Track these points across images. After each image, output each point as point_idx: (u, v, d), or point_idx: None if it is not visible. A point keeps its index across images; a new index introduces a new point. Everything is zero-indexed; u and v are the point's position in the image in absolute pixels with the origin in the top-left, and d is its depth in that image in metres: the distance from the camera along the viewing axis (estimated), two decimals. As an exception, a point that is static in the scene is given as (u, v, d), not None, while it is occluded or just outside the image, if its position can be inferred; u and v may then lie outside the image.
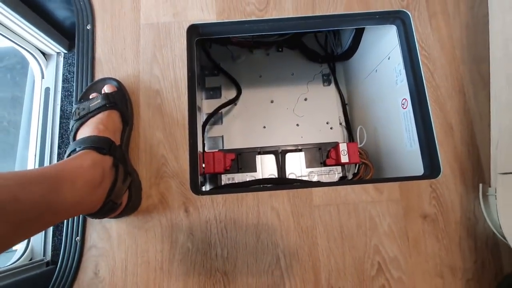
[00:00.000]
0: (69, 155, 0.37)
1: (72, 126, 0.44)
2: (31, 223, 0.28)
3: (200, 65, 0.87)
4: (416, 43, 0.52)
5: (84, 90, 0.49)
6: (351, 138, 0.82)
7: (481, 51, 0.52)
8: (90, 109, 0.44)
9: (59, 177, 0.31)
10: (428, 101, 0.50)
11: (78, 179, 0.32)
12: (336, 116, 0.85)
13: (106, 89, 0.47)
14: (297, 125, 0.84)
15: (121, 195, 0.39)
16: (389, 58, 0.61)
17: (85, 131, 0.42)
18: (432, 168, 0.48)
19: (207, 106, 0.85)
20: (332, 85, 0.87)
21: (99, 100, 0.44)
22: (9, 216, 0.25)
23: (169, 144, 0.47)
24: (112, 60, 0.51)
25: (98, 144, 0.38)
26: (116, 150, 0.40)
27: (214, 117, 0.83)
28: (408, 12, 0.53)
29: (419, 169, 0.51)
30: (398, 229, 0.45)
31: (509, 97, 0.41)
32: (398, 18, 0.54)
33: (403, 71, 0.55)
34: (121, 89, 0.48)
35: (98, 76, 0.50)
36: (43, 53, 0.73)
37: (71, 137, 0.43)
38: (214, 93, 0.86)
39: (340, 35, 0.87)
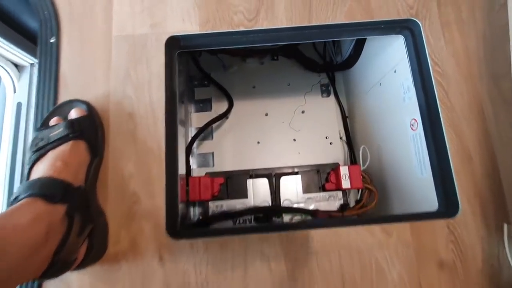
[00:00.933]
0: (12, 202, 0.31)
1: (30, 159, 0.37)
2: None
3: (189, 75, 0.81)
4: (428, 57, 0.45)
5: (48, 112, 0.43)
6: (352, 154, 0.75)
7: (501, 65, 0.45)
8: (50, 140, 0.37)
9: None
10: (442, 124, 0.43)
11: (11, 244, 0.26)
12: (336, 130, 0.78)
13: (74, 113, 0.40)
14: (294, 140, 0.77)
15: (76, 250, 0.33)
16: (395, 71, 0.54)
17: (40, 168, 0.35)
18: (448, 204, 0.42)
19: (196, 119, 0.78)
20: (332, 97, 0.80)
21: (61, 129, 0.38)
22: None
23: (142, 178, 0.41)
24: (78, 79, 0.44)
25: (48, 190, 0.31)
26: (72, 195, 0.33)
27: (204, 132, 0.77)
28: (418, 21, 0.46)
29: (432, 201, 0.45)
30: (411, 278, 0.38)
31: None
32: (406, 28, 0.48)
33: (412, 88, 0.48)
34: (91, 114, 0.41)
35: (62, 96, 0.44)
36: (16, 65, 0.66)
37: (25, 173, 0.37)
38: (204, 105, 0.79)
39: (340, 42, 0.81)
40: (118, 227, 0.39)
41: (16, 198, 0.30)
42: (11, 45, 0.58)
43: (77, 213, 0.33)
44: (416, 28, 0.47)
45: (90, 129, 0.39)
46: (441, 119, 0.43)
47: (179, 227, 0.41)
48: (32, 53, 0.63)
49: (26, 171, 0.37)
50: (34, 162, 0.36)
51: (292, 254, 0.39)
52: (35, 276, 0.29)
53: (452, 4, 0.47)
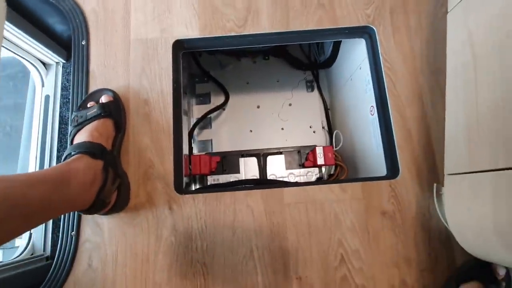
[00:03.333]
0: (66, 157, 0.43)
1: (71, 132, 0.49)
2: (36, 216, 0.34)
3: (191, 73, 0.93)
4: (380, 56, 0.57)
5: (82, 99, 0.55)
6: (331, 140, 0.87)
7: (440, 63, 0.57)
8: (87, 117, 0.49)
9: (58, 178, 0.37)
10: (390, 109, 0.55)
11: (73, 180, 0.38)
12: (319, 121, 0.89)
13: (103, 99, 0.52)
14: (282, 129, 0.88)
15: (110, 194, 0.45)
16: (360, 68, 0.66)
17: (81, 137, 0.47)
18: (392, 169, 0.53)
19: (197, 111, 0.90)
20: (315, 91, 0.92)
21: (95, 109, 0.50)
22: (20, 210, 0.31)
23: (155, 149, 0.53)
24: (104, 73, 0.56)
25: (91, 149, 0.43)
26: (107, 155, 0.45)
27: (204, 121, 0.88)
28: (374, 28, 0.58)
29: (384, 171, 0.56)
30: (360, 224, 0.50)
31: (454, 107, 0.46)
32: (366, 33, 0.60)
33: (371, 81, 0.60)
34: (116, 99, 0.53)
35: (92, 87, 0.56)
36: (43, 63, 0.78)
37: (69, 141, 0.49)
38: (203, 99, 0.91)
39: (323, 44, 0.92)
40: (137, 185, 0.51)
41: (69, 154, 0.43)
42: (41, 46, 0.70)
43: (110, 167, 0.45)
44: (373, 33, 0.59)
45: (116, 111, 0.51)
46: (389, 105, 0.55)
47: (185, 188, 0.53)
48: (58, 53, 0.75)
49: (69, 139, 0.49)
50: (75, 134, 0.48)
51: (270, 206, 0.50)
52: (84, 207, 0.41)
53: (402, 13, 0.59)
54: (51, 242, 0.61)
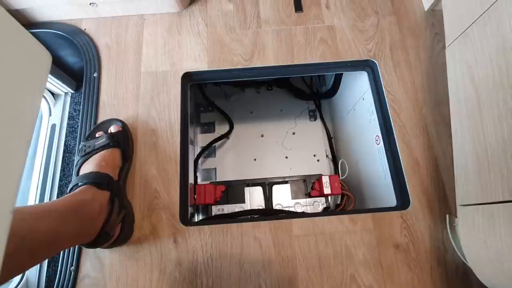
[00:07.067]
0: (72, 188, 0.42)
1: (78, 161, 0.49)
2: (42, 251, 0.32)
3: (196, 102, 0.95)
4: (383, 88, 0.59)
5: (90, 129, 0.55)
6: (336, 169, 0.86)
7: (441, 95, 0.59)
8: (95, 147, 0.49)
9: (65, 211, 0.36)
10: (395, 139, 0.55)
11: (80, 212, 0.37)
12: (323, 149, 0.90)
13: (112, 129, 0.53)
14: (286, 157, 0.88)
15: (115, 226, 0.43)
16: (363, 99, 0.68)
17: (88, 167, 0.47)
18: (402, 200, 0.53)
19: (201, 139, 0.90)
20: (318, 120, 0.93)
21: (103, 139, 0.50)
22: (26, 244, 0.30)
23: (161, 179, 0.52)
24: (114, 104, 0.57)
25: (98, 180, 0.43)
26: (113, 185, 0.44)
27: (208, 150, 0.88)
28: (375, 61, 0.61)
29: (393, 200, 0.55)
30: (373, 258, 0.48)
31: (462, 139, 0.46)
32: (368, 66, 0.62)
33: (375, 111, 0.61)
34: (125, 129, 0.54)
35: (102, 117, 0.57)
36: (52, 93, 0.80)
37: (75, 171, 0.48)
38: (208, 128, 0.92)
39: (324, 76, 0.96)
40: (142, 217, 0.50)
41: (76, 184, 0.42)
42: (52, 77, 0.73)
43: (116, 198, 0.44)
44: (374, 66, 0.61)
45: (124, 141, 0.52)
46: (395, 135, 0.56)
47: (189, 219, 0.52)
48: (68, 84, 0.77)
49: (75, 170, 0.48)
50: (82, 163, 0.48)
51: (279, 239, 0.49)
52: (88, 240, 0.39)
53: (401, 48, 0.62)
54: (46, 277, 0.58)
